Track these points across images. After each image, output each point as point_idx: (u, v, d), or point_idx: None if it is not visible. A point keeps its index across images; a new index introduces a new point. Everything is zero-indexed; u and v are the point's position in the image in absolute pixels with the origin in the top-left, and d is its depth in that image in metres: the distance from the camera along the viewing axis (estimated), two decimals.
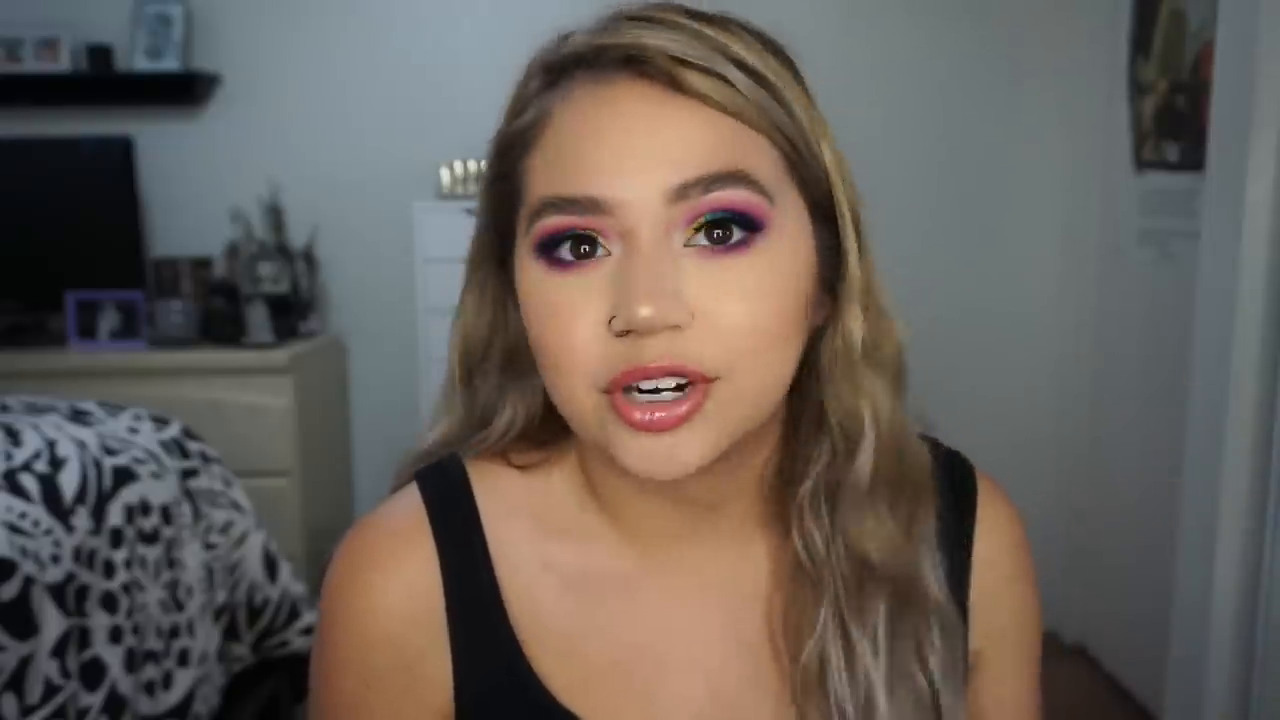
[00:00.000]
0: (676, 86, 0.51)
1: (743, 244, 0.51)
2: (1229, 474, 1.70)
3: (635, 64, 0.52)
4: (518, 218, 0.55)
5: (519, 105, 0.56)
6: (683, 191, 0.50)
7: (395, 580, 0.57)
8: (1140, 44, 2.41)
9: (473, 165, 2.65)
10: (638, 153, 0.51)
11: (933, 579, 0.60)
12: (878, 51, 2.68)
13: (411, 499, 0.60)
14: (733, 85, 0.51)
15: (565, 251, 0.52)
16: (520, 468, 0.62)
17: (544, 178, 0.53)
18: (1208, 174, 1.78)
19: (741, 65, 0.52)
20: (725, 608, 0.61)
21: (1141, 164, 2.39)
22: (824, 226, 0.56)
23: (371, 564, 0.58)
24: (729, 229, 0.51)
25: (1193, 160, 2.09)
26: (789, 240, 0.53)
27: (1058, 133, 2.71)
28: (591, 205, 0.51)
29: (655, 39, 0.51)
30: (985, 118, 2.73)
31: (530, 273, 0.53)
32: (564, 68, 0.55)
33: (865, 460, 0.57)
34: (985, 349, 2.72)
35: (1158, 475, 2.20)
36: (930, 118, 2.70)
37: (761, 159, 0.52)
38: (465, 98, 2.76)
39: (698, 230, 0.51)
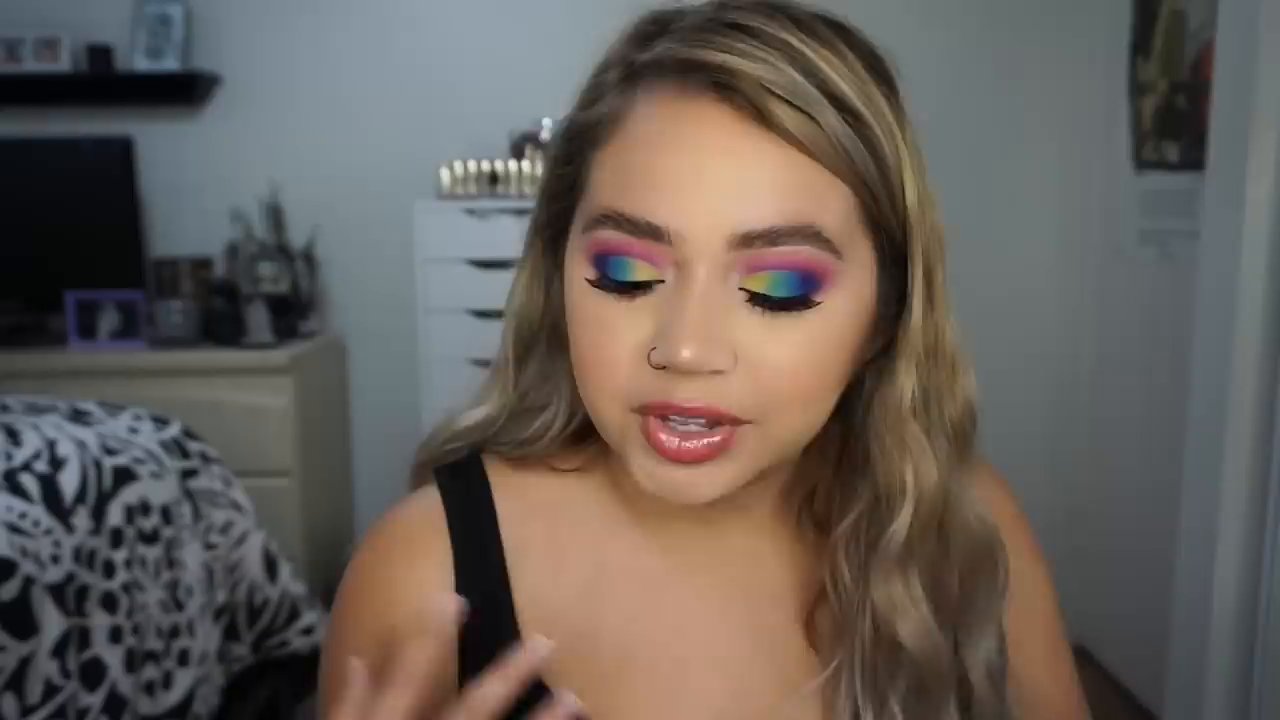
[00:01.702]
0: (762, 119, 0.48)
1: (799, 301, 0.49)
2: (1229, 474, 1.70)
3: (723, 87, 0.48)
4: (577, 207, 0.54)
5: (595, 93, 0.54)
6: (748, 240, 0.48)
7: (409, 578, 0.58)
8: (1140, 44, 2.41)
9: (472, 165, 2.65)
10: (708, 187, 0.48)
11: (979, 666, 0.57)
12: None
13: (431, 500, 0.60)
14: (821, 127, 0.48)
15: (621, 272, 0.50)
16: (562, 470, 0.62)
17: (609, 184, 0.51)
18: (1208, 174, 1.78)
19: (837, 102, 0.49)
20: (747, 606, 0.60)
21: (1141, 164, 2.39)
22: (893, 270, 0.53)
23: (387, 562, 0.59)
24: (791, 286, 0.49)
25: (1193, 160, 2.09)
26: (849, 294, 0.51)
27: (1058, 133, 2.71)
28: (651, 230, 0.49)
29: (748, 64, 0.48)
30: (985, 117, 2.73)
31: (579, 278, 0.52)
32: (650, 67, 0.51)
33: (900, 528, 0.54)
34: (984, 349, 2.67)
35: (1157, 475, 2.20)
36: (930, 117, 2.69)
37: (835, 208, 0.49)
38: (465, 98, 2.76)
39: (757, 283, 0.49)
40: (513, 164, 2.62)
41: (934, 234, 0.53)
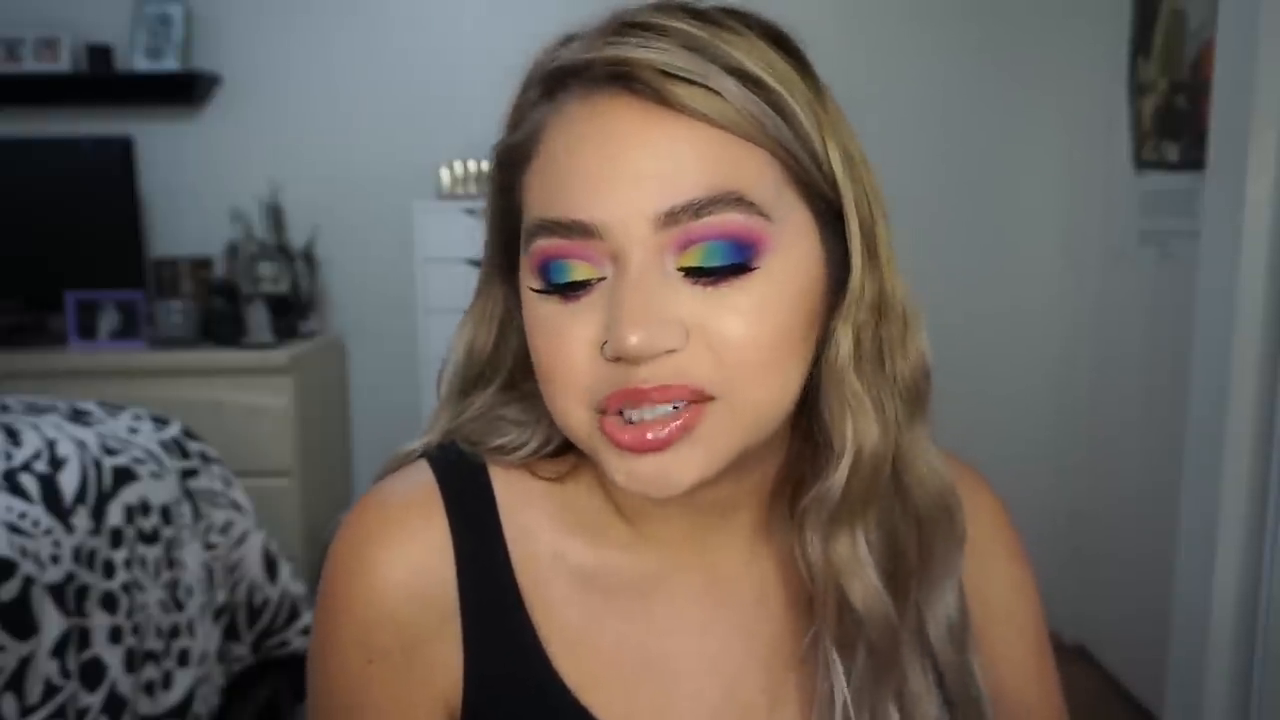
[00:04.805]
0: (664, 102, 0.49)
1: (739, 269, 0.49)
2: (1229, 474, 1.70)
3: (623, 79, 0.50)
4: (521, 231, 0.54)
5: (517, 116, 0.55)
6: (672, 217, 0.48)
7: (403, 558, 0.56)
8: (1140, 44, 2.41)
9: (472, 165, 2.65)
10: (623, 174, 0.49)
11: (940, 624, 0.57)
12: (877, 52, 2.68)
13: (423, 475, 0.59)
14: (724, 98, 0.49)
15: (561, 275, 0.51)
16: (544, 479, 0.61)
17: (538, 197, 0.52)
18: (1208, 174, 1.78)
19: (737, 73, 0.49)
20: (739, 612, 0.60)
21: (1141, 164, 2.39)
22: (836, 233, 0.53)
23: (380, 539, 0.56)
24: (725, 255, 0.49)
25: (1193, 160, 2.09)
26: (791, 257, 0.51)
27: (1058, 133, 2.71)
28: (579, 229, 0.49)
29: (642, 52, 0.49)
30: (986, 118, 2.73)
31: (529, 292, 0.53)
32: (558, 79, 0.53)
33: (837, 483, 0.53)
34: (985, 349, 2.72)
35: (1158, 475, 2.20)
36: (930, 118, 2.69)
37: (758, 174, 0.50)
38: (465, 98, 2.76)
39: (690, 258, 0.49)
40: None
41: (870, 192, 0.54)
